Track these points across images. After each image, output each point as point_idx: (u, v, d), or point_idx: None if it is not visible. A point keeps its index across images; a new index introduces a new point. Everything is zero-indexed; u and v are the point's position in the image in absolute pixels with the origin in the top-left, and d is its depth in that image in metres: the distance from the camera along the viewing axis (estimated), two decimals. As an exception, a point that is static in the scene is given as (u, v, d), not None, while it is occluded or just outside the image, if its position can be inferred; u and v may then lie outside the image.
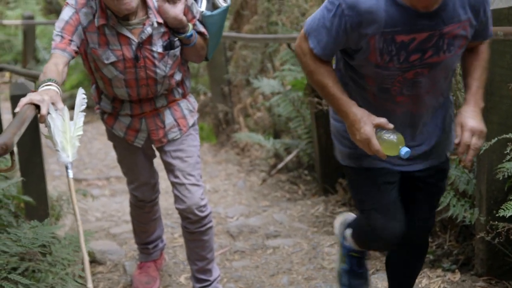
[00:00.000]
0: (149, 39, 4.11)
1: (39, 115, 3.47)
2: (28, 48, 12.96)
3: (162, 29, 4.14)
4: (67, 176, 3.52)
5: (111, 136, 4.54)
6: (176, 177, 4.42)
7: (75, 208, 3.50)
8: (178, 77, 4.33)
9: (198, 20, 4.28)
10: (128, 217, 6.43)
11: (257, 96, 8.82)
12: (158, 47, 4.14)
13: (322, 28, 3.26)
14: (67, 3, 4.09)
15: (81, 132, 3.60)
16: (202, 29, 4.30)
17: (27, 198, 4.91)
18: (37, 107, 3.47)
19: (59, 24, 4.03)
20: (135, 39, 4.09)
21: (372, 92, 3.38)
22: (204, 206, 4.43)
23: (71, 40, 4.00)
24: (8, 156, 3.30)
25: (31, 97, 3.48)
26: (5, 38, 15.19)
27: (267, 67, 8.74)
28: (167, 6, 4.07)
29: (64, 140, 3.51)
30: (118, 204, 6.99)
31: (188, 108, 4.46)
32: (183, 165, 4.42)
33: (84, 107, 3.67)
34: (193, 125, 4.49)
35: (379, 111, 3.34)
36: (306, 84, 6.54)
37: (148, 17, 4.09)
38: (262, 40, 8.12)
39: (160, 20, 4.11)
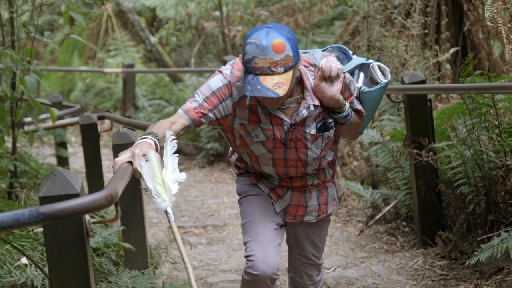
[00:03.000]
0: (303, 121, 3.85)
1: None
2: (127, 95, 13.21)
3: (317, 110, 3.87)
4: (169, 220, 3.42)
5: (249, 188, 4.17)
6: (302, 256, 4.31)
7: (181, 250, 3.38)
8: (329, 157, 4.06)
9: (355, 97, 4.00)
10: (224, 266, 6.43)
11: (354, 145, 8.77)
12: (311, 129, 3.88)
13: None
14: (221, 71, 3.86)
15: (178, 174, 3.46)
16: (359, 106, 4.00)
17: (128, 245, 4.93)
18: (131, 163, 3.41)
19: (204, 90, 3.81)
20: (287, 120, 3.84)
21: None
22: (319, 280, 4.34)
23: (205, 114, 3.78)
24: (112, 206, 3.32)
25: (122, 157, 3.42)
26: (105, 86, 15.55)
27: (365, 116, 8.69)
28: (324, 86, 3.79)
29: (157, 185, 3.39)
30: (215, 253, 6.99)
31: (333, 195, 4.21)
32: (312, 248, 4.26)
33: (175, 148, 3.53)
34: (330, 214, 4.26)
35: None
36: (405, 135, 6.47)
37: (304, 98, 3.84)
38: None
39: (317, 103, 3.84)
